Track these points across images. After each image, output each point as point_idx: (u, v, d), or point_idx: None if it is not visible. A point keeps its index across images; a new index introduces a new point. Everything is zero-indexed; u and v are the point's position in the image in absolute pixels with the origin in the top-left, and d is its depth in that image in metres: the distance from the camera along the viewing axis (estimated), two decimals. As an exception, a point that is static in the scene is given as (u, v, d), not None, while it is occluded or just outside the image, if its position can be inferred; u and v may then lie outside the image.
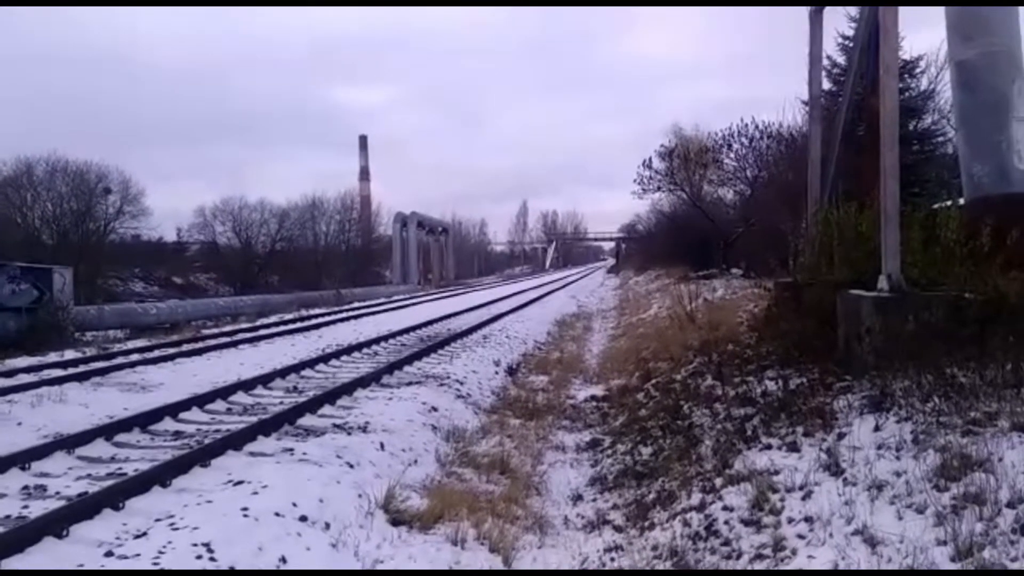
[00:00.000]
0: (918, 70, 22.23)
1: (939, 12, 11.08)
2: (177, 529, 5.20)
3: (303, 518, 5.61)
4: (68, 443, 7.60)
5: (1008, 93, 10.41)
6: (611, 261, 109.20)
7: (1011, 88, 10.46)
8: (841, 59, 20.20)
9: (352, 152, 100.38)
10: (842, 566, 4.41)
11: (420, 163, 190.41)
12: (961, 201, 10.67)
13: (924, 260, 8.93)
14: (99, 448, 7.73)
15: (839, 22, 19.69)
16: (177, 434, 8.47)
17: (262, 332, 20.18)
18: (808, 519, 5.08)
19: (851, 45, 14.78)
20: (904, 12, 9.39)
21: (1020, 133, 10.34)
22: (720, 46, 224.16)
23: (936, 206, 10.41)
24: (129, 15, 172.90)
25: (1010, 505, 4.35)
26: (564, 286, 50.28)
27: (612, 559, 5.77)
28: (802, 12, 12.90)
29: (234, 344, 17.16)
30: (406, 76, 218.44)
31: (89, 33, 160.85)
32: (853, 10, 16.33)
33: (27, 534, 5.02)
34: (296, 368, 12.77)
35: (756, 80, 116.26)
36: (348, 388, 10.67)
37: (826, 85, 18.58)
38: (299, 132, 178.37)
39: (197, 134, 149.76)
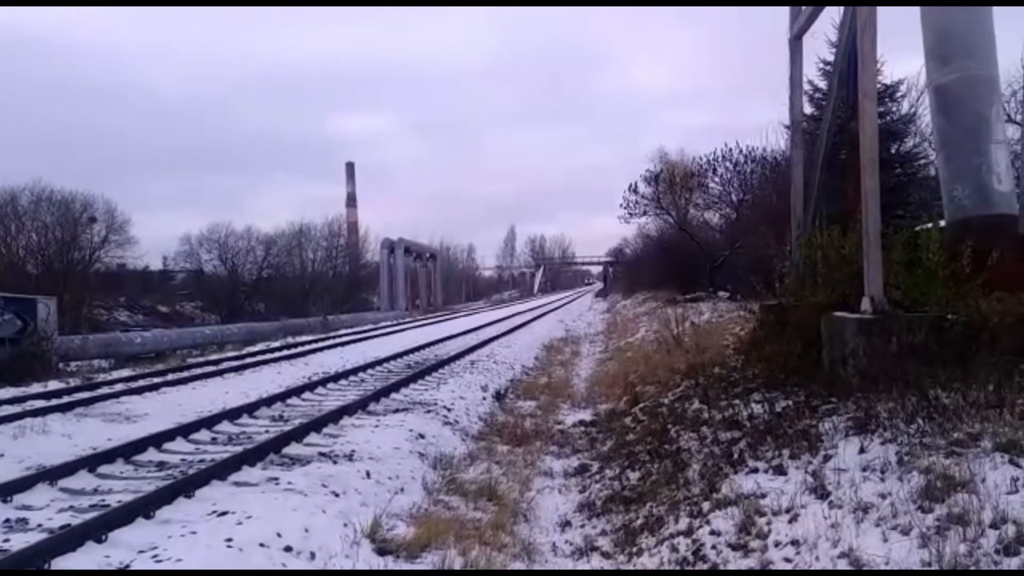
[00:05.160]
0: (899, 94, 22.60)
1: (919, 37, 11.27)
2: (160, 561, 5.15)
3: (288, 548, 5.56)
4: (51, 475, 7.52)
5: (987, 116, 10.57)
6: (599, 285, 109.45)
7: (989, 112, 10.62)
8: (822, 84, 20.50)
9: (339, 180, 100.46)
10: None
11: (408, 190, 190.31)
12: (943, 223, 10.79)
13: (907, 282, 9.01)
14: (82, 480, 7.65)
15: (820, 48, 20.03)
16: (161, 465, 8.39)
17: (248, 360, 20.06)
18: (795, 542, 5.07)
19: (832, 70, 14.97)
20: (883, 38, 9.55)
21: (999, 156, 10.49)
22: (706, 74, 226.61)
23: (918, 228, 10.51)
24: (118, 43, 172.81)
25: (993, 526, 4.36)
26: (552, 310, 50.27)
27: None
28: (783, 38, 13.11)
29: (220, 373, 17.04)
30: (395, 105, 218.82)
31: (71, 61, 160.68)
32: (833, 36, 16.60)
33: (7, 568, 4.95)
34: (282, 396, 12.70)
35: (742, 106, 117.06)
36: (334, 416, 10.61)
37: (808, 110, 18.87)
38: (287, 160, 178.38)
39: (182, 163, 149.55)
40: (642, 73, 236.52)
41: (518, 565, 6.07)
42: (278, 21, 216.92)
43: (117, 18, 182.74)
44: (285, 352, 22.57)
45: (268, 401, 12.21)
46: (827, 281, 10.06)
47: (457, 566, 5.72)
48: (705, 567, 5.33)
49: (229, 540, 5.49)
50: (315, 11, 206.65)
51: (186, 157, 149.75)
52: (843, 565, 4.57)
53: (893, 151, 21.76)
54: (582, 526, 7.13)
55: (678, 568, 5.48)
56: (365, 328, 37.00)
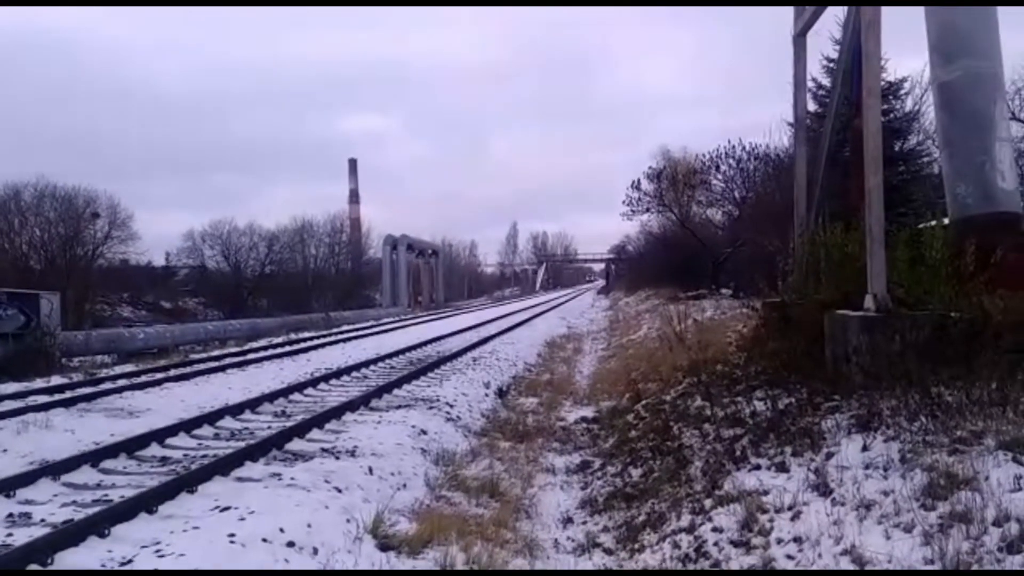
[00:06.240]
0: (903, 91, 22.54)
1: (923, 35, 11.24)
2: (163, 556, 5.15)
3: (290, 543, 5.57)
4: (54, 470, 7.53)
5: (990, 114, 10.53)
6: (601, 282, 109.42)
7: (993, 109, 10.59)
8: (826, 81, 20.42)
9: (344, 179, 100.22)
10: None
11: (411, 189, 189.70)
12: (946, 221, 10.76)
13: (910, 280, 8.98)
14: (85, 475, 7.66)
15: (824, 45, 19.93)
16: (164, 460, 8.41)
17: (251, 356, 20.07)
18: (797, 539, 5.07)
19: (835, 68, 14.94)
20: (888, 36, 9.53)
21: (1003, 153, 10.46)
22: (707, 74, 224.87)
23: (921, 226, 10.48)
24: (119, 42, 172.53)
25: (996, 523, 4.35)
26: (554, 307, 50.28)
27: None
28: (787, 35, 13.08)
29: (222, 369, 17.05)
30: (399, 104, 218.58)
31: (82, 61, 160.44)
32: (837, 33, 16.55)
33: (11, 562, 4.96)
34: (284, 392, 12.72)
35: (746, 105, 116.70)
36: (337, 412, 10.62)
37: (812, 107, 18.82)
38: (290, 160, 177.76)
39: (186, 161, 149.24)
40: (642, 73, 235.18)
41: (520, 561, 6.06)
42: (280, 22, 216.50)
43: (118, 19, 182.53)
44: (288, 348, 22.60)
45: (270, 397, 12.21)
46: (830, 279, 10.03)
47: (459, 562, 5.72)
48: (707, 564, 5.33)
49: (232, 535, 5.49)
50: (315, 13, 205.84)
51: (186, 156, 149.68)
52: (845, 563, 4.56)
53: (897, 149, 21.72)
54: (584, 523, 7.13)
55: (680, 565, 5.48)
56: (367, 324, 37.01)
